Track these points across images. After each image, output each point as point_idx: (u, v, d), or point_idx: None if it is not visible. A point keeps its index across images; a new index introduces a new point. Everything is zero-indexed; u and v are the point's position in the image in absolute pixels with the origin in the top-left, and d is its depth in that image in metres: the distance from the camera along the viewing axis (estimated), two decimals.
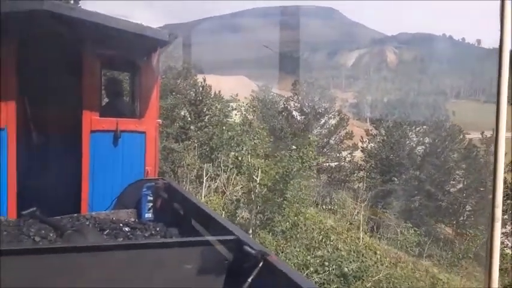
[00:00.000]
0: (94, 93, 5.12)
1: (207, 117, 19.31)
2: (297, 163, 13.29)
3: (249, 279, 2.54)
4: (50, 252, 2.58)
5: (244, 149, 13.50)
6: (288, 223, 12.95)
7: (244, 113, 17.05)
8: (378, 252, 14.70)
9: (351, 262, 12.12)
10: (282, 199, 13.21)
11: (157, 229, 4.13)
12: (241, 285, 2.54)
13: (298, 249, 12.29)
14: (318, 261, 12.01)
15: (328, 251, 12.63)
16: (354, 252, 13.12)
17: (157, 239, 3.83)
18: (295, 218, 13.15)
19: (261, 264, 2.63)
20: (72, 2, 13.60)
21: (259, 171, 13.34)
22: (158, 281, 2.68)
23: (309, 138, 16.16)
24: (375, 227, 21.35)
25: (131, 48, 5.23)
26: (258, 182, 13.28)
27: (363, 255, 13.11)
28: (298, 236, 13.09)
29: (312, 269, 11.58)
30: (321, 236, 13.95)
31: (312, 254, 12.53)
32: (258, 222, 13.67)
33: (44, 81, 5.24)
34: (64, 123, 5.36)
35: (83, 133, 4.95)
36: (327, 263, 11.86)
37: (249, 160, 13.38)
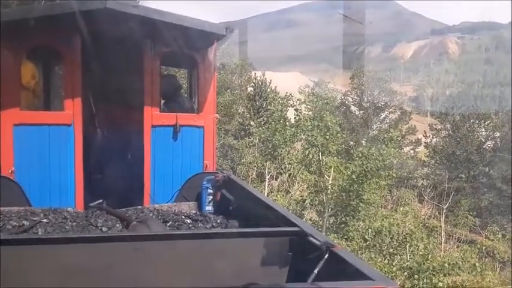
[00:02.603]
0: (154, 90, 5.22)
1: (267, 112, 18.80)
2: (377, 161, 12.06)
3: (315, 271, 2.42)
4: (121, 240, 2.64)
5: (315, 145, 12.38)
6: (370, 229, 11.63)
7: (301, 108, 16.21)
8: (477, 264, 12.39)
9: (445, 275, 10.46)
10: (357, 201, 12.13)
11: (218, 221, 4.12)
12: (307, 277, 2.43)
13: (379, 258, 11.09)
14: (405, 273, 10.68)
15: (416, 262, 10.88)
16: (448, 264, 10.82)
17: (221, 229, 3.82)
18: (380, 223, 11.75)
19: (326, 256, 2.51)
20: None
21: (332, 170, 12.38)
22: (222, 271, 2.65)
23: (390, 133, 14.69)
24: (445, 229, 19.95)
25: (189, 43, 5.27)
26: (330, 181, 12.35)
27: (459, 267, 10.93)
28: (382, 243, 11.73)
29: (398, 282, 10.15)
30: (397, 242, 12.29)
31: (397, 264, 11.18)
32: (329, 225, 12.64)
33: (107, 78, 5.42)
34: (126, 118, 5.52)
35: (144, 128, 5.07)
36: (416, 276, 10.36)
37: (320, 157, 12.38)
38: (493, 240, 18.72)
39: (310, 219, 13.65)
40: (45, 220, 3.93)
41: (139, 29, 4.79)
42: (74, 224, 3.90)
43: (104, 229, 3.79)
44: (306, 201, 13.62)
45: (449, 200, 21.87)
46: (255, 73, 21.56)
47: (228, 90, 18.60)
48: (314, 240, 2.71)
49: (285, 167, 15.77)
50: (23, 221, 3.85)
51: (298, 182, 15.80)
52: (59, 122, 4.80)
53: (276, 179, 16.10)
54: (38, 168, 4.77)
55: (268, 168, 15.50)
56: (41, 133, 4.75)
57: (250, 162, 15.96)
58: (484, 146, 28.12)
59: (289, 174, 15.82)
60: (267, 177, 15.09)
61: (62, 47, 4.83)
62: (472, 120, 28.38)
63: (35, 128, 4.75)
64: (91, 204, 4.30)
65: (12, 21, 4.56)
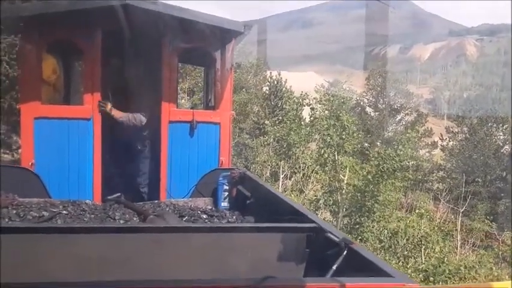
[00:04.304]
0: (172, 86, 5.27)
1: (282, 111, 18.70)
2: (394, 162, 11.78)
3: (334, 267, 2.40)
4: (140, 231, 2.67)
5: (330, 145, 12.15)
6: (386, 230, 11.44)
7: (317, 107, 16.01)
8: (494, 268, 12.41)
9: (461, 279, 10.39)
10: (373, 202, 11.88)
11: (234, 217, 4.13)
12: (324, 273, 2.41)
13: (393, 260, 10.90)
14: (420, 275, 10.57)
15: (431, 264, 10.81)
16: (464, 267, 11.00)
17: (237, 223, 3.83)
18: (395, 225, 11.56)
19: (345, 252, 2.49)
20: None
21: (347, 170, 12.18)
22: (239, 265, 2.65)
23: (408, 133, 14.38)
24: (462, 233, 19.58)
25: (207, 40, 5.30)
26: (345, 181, 12.15)
27: (476, 271, 11.05)
28: (397, 245, 11.56)
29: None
30: (412, 245, 12.17)
31: (411, 266, 11.07)
32: (343, 225, 12.40)
33: (125, 74, 5.48)
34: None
35: (161, 123, 5.12)
36: (431, 279, 10.24)
37: (336, 157, 12.17)
38: (509, 245, 18.35)
39: (324, 219, 13.35)
40: (64, 212, 3.99)
41: (158, 25, 4.84)
42: (92, 216, 3.95)
43: (122, 222, 3.83)
44: (320, 201, 13.44)
45: (466, 204, 21.53)
46: (271, 72, 21.52)
47: (244, 89, 18.60)
48: (332, 236, 2.68)
49: (299, 167, 15.62)
50: (42, 212, 3.91)
51: (312, 182, 15.63)
52: (79, 116, 4.87)
53: (290, 179, 15.97)
54: (57, 160, 4.85)
55: (282, 168, 15.41)
56: (60, 127, 4.83)
57: (264, 161, 15.85)
58: (501, 150, 27.62)
59: (303, 174, 15.66)
60: (281, 176, 14.96)
61: (83, 42, 4.91)
62: (489, 124, 27.91)
63: (55, 122, 4.84)
64: (109, 197, 4.36)
65: (34, 15, 4.65)
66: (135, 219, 3.93)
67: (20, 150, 10.32)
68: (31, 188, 4.54)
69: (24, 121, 4.83)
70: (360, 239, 11.73)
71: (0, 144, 11.24)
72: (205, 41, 5.31)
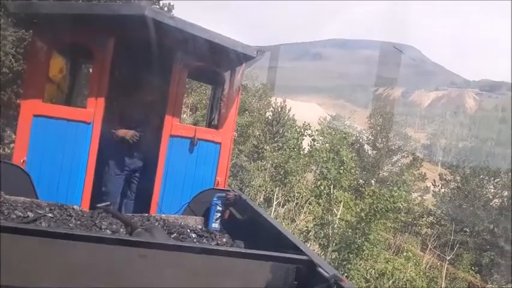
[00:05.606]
0: (178, 101, 5.23)
1: (282, 138, 18.71)
2: (387, 202, 11.72)
3: None
4: (125, 244, 2.57)
5: (327, 178, 12.14)
6: (374, 270, 11.33)
7: (318, 139, 16.00)
8: None
9: None
10: (363, 239, 11.73)
11: (224, 240, 4.03)
12: None
13: None
14: None
15: None
16: None
17: (227, 246, 3.72)
18: (384, 265, 11.41)
19: None
20: (165, 9, 13.94)
21: (342, 205, 12.11)
22: None
23: (404, 176, 14.44)
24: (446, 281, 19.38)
25: (219, 60, 5.31)
26: (338, 216, 12.07)
27: None
28: (383, 286, 11.37)
29: None
30: None
31: None
32: (331, 260, 12.20)
33: (133, 83, 5.45)
34: (145, 125, 5.52)
35: (162, 137, 5.06)
36: None
37: (332, 191, 12.14)
38: None
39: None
40: (50, 214, 3.88)
41: (172, 39, 4.85)
42: (78, 222, 3.84)
43: (108, 232, 3.72)
44: (311, 233, 13.35)
45: (453, 252, 21.40)
46: (276, 98, 21.62)
47: (247, 112, 18.62)
48: (322, 271, 2.61)
49: (294, 195, 15.54)
50: (28, 212, 3.80)
51: (304, 212, 15.50)
52: (79, 119, 4.80)
53: (283, 206, 15.79)
54: (50, 161, 4.75)
55: (277, 194, 15.25)
56: (59, 127, 4.74)
57: (259, 186, 15.69)
58: (491, 203, 27.75)
59: (297, 203, 15.55)
60: (275, 202, 14.81)
61: (95, 46, 4.89)
62: (481, 176, 28.13)
63: (54, 122, 4.76)
64: (99, 205, 4.24)
65: (50, 13, 4.64)
66: (122, 230, 3.82)
67: (12, 145, 10.20)
68: (19, 186, 4.41)
69: (23, 117, 4.75)
70: (346, 276, 11.48)
71: None
72: (216, 61, 5.33)
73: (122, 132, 5.15)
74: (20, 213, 3.74)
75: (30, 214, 3.79)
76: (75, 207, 4.29)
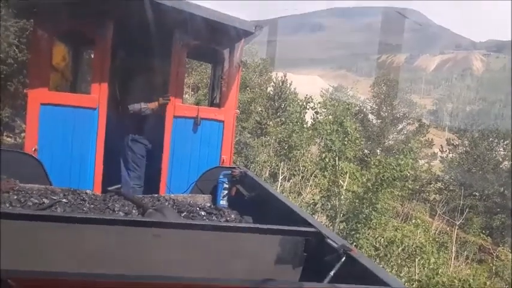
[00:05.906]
0: (179, 81, 5.27)
1: (285, 113, 18.63)
2: (394, 171, 11.63)
3: (331, 273, 2.40)
4: (139, 225, 2.67)
5: (332, 149, 12.07)
6: (383, 239, 11.37)
7: (321, 111, 15.86)
8: (488, 283, 12.03)
9: None
10: (371, 209, 11.75)
11: (232, 216, 4.13)
12: (321, 279, 2.41)
13: (387, 269, 10.60)
14: (413, 285, 10.56)
15: (425, 275, 10.72)
16: (458, 280, 10.74)
17: (236, 222, 3.83)
18: (392, 233, 11.44)
19: (343, 259, 2.49)
20: None
21: (347, 176, 12.07)
22: (236, 265, 2.65)
23: (410, 144, 14.30)
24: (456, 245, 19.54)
25: (217, 38, 5.31)
26: (344, 187, 12.04)
27: (469, 284, 10.72)
28: (392, 253, 11.42)
29: None
30: (407, 254, 11.90)
31: (405, 276, 10.96)
32: (339, 231, 12.23)
33: (134, 66, 5.49)
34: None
35: (166, 118, 5.13)
36: None
37: (337, 162, 12.05)
38: (503, 260, 18.31)
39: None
40: (64, 200, 3.99)
41: (170, 20, 4.85)
42: (92, 206, 3.95)
43: (121, 214, 3.84)
44: (318, 205, 13.40)
45: (463, 217, 21.48)
46: (276, 73, 21.45)
47: (248, 88, 18.54)
48: (331, 242, 2.68)
49: (299, 169, 15.56)
50: (43, 199, 3.92)
51: (310, 185, 15.55)
52: (85, 105, 4.88)
53: (289, 180, 15.83)
54: (60, 148, 4.86)
55: (282, 169, 15.27)
56: (66, 114, 4.83)
57: (264, 161, 15.71)
58: (501, 166, 27.60)
59: (302, 177, 15.59)
60: (280, 177, 14.85)
61: (95, 33, 4.91)
62: (490, 139, 27.88)
63: (61, 109, 4.84)
64: (110, 188, 4.36)
65: (49, 2, 4.65)
66: (134, 211, 3.94)
67: (23, 135, 10.35)
68: (32, 174, 4.54)
69: (31, 106, 4.83)
70: (355, 245, 11.61)
71: (0, 128, 11.25)
72: (215, 39, 5.32)
73: (153, 105, 5.21)
74: (36, 200, 3.86)
75: (46, 201, 3.90)
76: (87, 191, 4.41)
